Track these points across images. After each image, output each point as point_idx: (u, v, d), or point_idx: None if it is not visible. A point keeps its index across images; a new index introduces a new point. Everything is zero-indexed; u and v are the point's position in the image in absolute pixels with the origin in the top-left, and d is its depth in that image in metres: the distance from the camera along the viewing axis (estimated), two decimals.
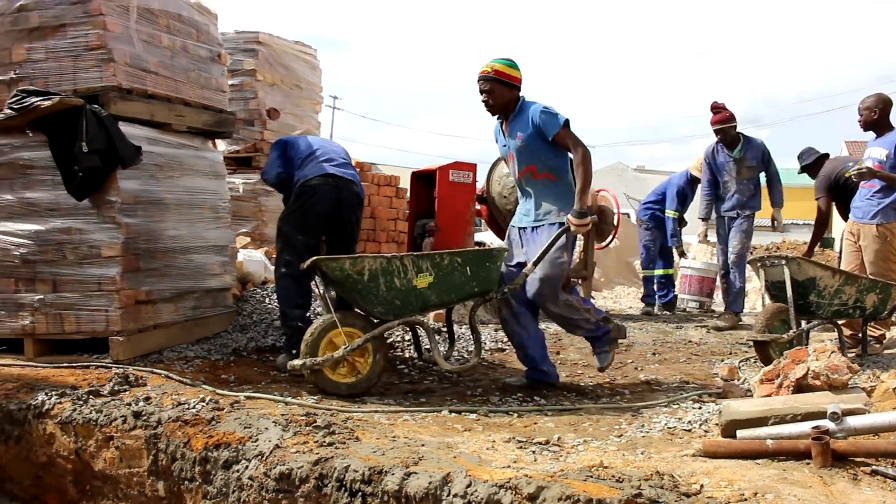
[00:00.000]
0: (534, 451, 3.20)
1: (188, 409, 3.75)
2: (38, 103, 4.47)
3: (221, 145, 6.95)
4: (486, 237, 15.45)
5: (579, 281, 8.24)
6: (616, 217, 8.59)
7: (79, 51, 4.77)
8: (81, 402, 3.99)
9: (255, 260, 6.64)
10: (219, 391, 4.13)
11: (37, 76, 4.82)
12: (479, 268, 4.33)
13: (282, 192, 5.22)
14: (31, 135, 4.76)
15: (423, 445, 3.23)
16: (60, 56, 4.80)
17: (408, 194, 9.03)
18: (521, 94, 4.58)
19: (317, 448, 3.22)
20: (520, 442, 3.33)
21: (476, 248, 4.46)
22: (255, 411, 3.73)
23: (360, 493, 2.93)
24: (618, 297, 10.67)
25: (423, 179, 7.86)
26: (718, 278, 7.89)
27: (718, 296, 8.56)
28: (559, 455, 3.16)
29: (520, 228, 4.65)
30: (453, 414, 3.86)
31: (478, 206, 8.09)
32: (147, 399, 3.93)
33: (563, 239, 4.36)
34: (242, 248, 6.81)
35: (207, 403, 3.82)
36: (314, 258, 4.23)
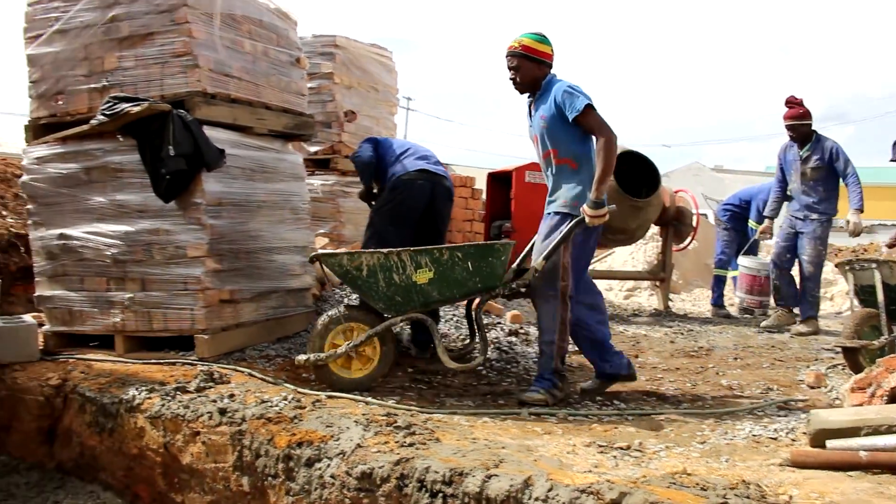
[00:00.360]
0: (615, 456, 3.17)
1: (271, 406, 3.84)
2: (128, 109, 4.63)
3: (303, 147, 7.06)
4: None
5: (656, 283, 8.10)
6: (695, 218, 8.44)
7: (166, 58, 4.91)
8: (169, 398, 4.12)
9: None
10: (300, 390, 4.21)
11: (127, 83, 4.99)
12: (482, 263, 4.16)
13: (365, 178, 5.38)
14: (121, 139, 4.93)
15: (503, 448, 3.23)
16: (149, 63, 4.96)
17: (483, 195, 9.05)
18: (551, 71, 4.38)
19: (398, 448, 3.25)
20: (600, 446, 3.30)
21: (478, 242, 4.33)
22: (336, 410, 3.79)
23: (440, 494, 2.94)
24: (696, 299, 10.45)
25: (498, 180, 7.86)
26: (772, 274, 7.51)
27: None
28: (641, 461, 3.12)
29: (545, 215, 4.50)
30: (533, 417, 3.85)
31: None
32: (231, 396, 4.03)
33: (560, 230, 4.16)
34: (321, 249, 6.92)
35: (290, 402, 3.91)
36: (315, 253, 4.30)
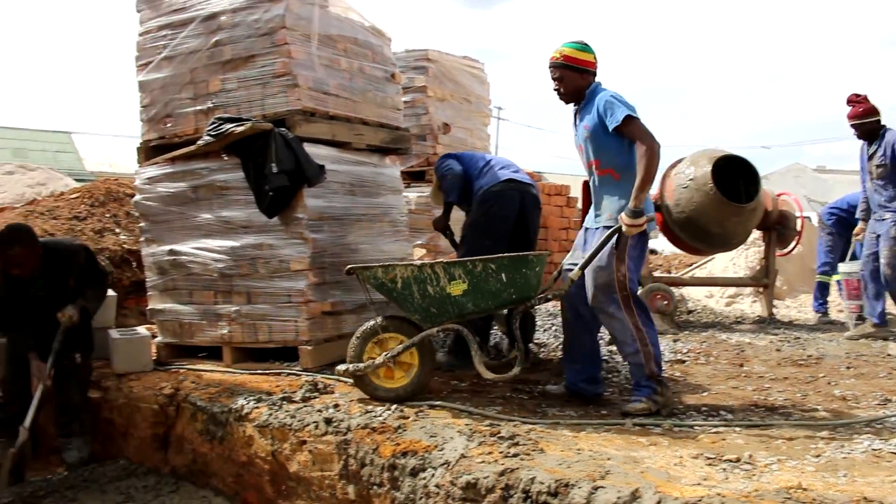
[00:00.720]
0: (724, 469, 3.08)
1: (375, 416, 3.90)
2: (232, 129, 4.80)
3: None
4: (660, 244, 15.06)
5: (760, 289, 7.86)
6: (799, 222, 8.16)
7: (266, 78, 5.08)
8: (276, 408, 4.24)
9: None
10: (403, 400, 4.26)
11: (230, 104, 5.18)
12: (516, 274, 4.10)
13: (454, 193, 5.34)
14: (226, 158, 5.12)
15: (608, 459, 3.19)
16: (250, 84, 5.14)
17: (579, 203, 8.96)
18: (595, 79, 4.29)
19: (502, 458, 3.25)
20: (709, 458, 3.22)
21: (511, 254, 4.23)
22: (439, 420, 3.82)
23: None
24: (802, 305, 10.09)
25: None
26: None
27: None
28: (752, 474, 3.03)
29: (585, 229, 4.42)
30: (637, 427, 3.80)
31: (651, 214, 7.91)
32: (336, 406, 4.11)
33: (611, 243, 4.06)
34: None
35: (393, 412, 3.96)
36: (350, 266, 4.29)
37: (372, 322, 4.30)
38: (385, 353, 4.19)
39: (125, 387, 5.23)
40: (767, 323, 7.93)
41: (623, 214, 3.95)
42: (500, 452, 3.31)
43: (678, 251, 10.56)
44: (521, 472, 3.09)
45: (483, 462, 3.25)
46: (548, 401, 4.41)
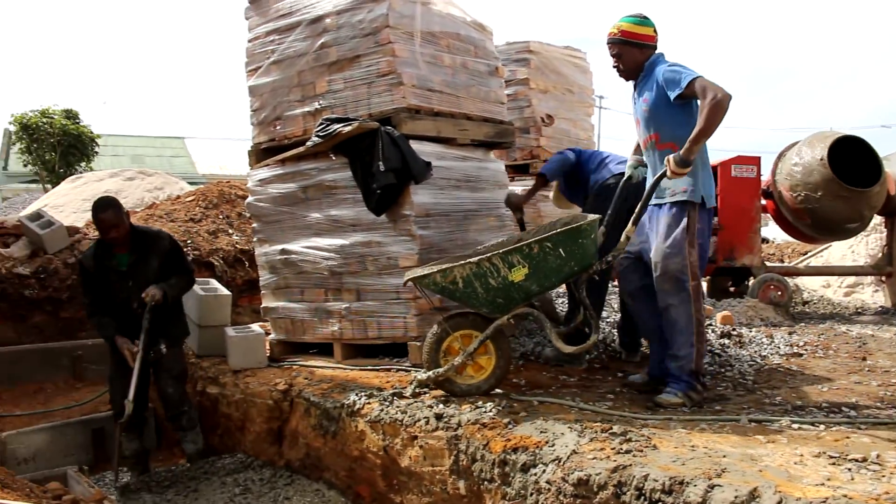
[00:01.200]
0: (849, 469, 2.95)
1: (485, 412, 3.91)
2: (340, 129, 4.90)
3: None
4: (772, 232, 14.53)
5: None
6: None
7: (372, 78, 5.15)
8: (387, 403, 4.31)
9: None
10: (512, 395, 4.26)
11: (337, 104, 5.28)
12: (573, 246, 4.03)
13: (554, 170, 5.39)
14: (334, 158, 5.22)
15: (724, 457, 3.11)
16: (356, 84, 5.22)
17: None
18: (654, 52, 4.14)
19: (614, 455, 3.21)
20: (832, 457, 3.08)
21: (564, 228, 4.10)
22: (549, 416, 3.81)
23: (659, 503, 2.87)
24: None
25: None
26: None
27: None
28: (880, 475, 2.88)
29: (652, 206, 4.23)
30: (753, 423, 3.68)
31: (763, 202, 7.65)
32: (446, 402, 4.15)
33: (683, 222, 3.94)
34: None
35: (503, 407, 3.96)
36: (407, 277, 4.23)
37: (438, 328, 4.29)
38: (462, 352, 4.20)
39: (241, 382, 5.42)
40: (891, 314, 7.56)
41: (669, 158, 3.80)
42: (612, 449, 3.28)
43: (792, 239, 10.16)
44: (634, 468, 3.04)
45: (595, 458, 3.22)
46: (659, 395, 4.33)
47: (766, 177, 7.66)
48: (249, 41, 5.83)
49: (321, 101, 5.35)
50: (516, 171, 8.27)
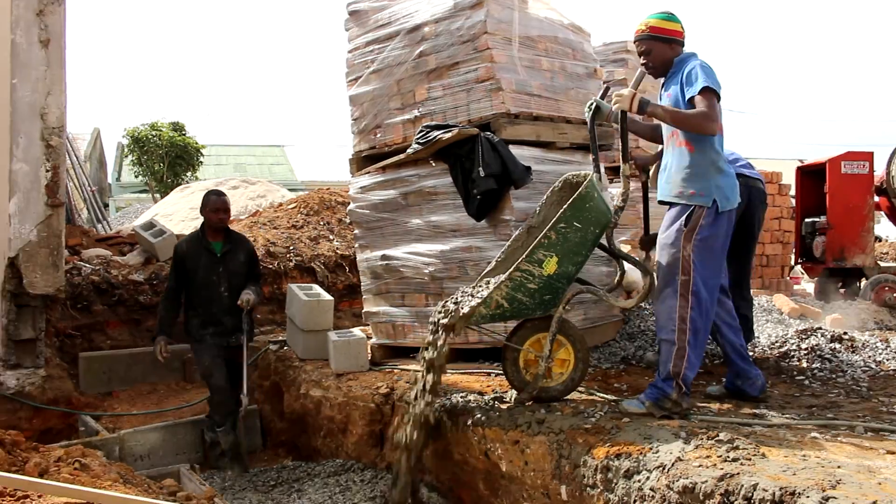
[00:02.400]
0: None
1: (587, 417, 3.89)
2: (440, 136, 4.96)
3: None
4: (885, 230, 13.92)
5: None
6: None
7: (470, 84, 5.20)
8: (489, 408, 4.33)
9: None
10: (612, 399, 4.22)
11: (436, 111, 5.35)
12: (585, 213, 4.01)
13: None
14: (434, 164, 5.29)
15: (838, 467, 2.99)
16: (455, 91, 5.28)
17: (792, 190, 8.51)
18: (683, 49, 4.09)
19: (720, 463, 3.14)
20: None
21: (569, 202, 3.97)
22: (653, 422, 3.75)
23: None
24: None
25: (809, 174, 7.36)
26: None
27: None
28: None
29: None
30: (869, 433, 3.53)
31: (876, 199, 7.35)
32: (547, 407, 4.13)
33: (681, 220, 3.88)
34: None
35: (605, 413, 3.93)
36: (449, 324, 4.11)
37: (504, 353, 4.30)
38: (541, 359, 4.18)
39: (343, 386, 5.53)
40: None
41: (624, 91, 3.92)
42: (719, 456, 3.21)
43: None
44: (742, 477, 2.97)
45: (700, 466, 3.16)
46: (766, 402, 4.21)
47: (879, 172, 7.37)
48: (349, 51, 5.97)
49: (420, 109, 5.43)
50: (615, 172, 8.17)
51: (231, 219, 10.02)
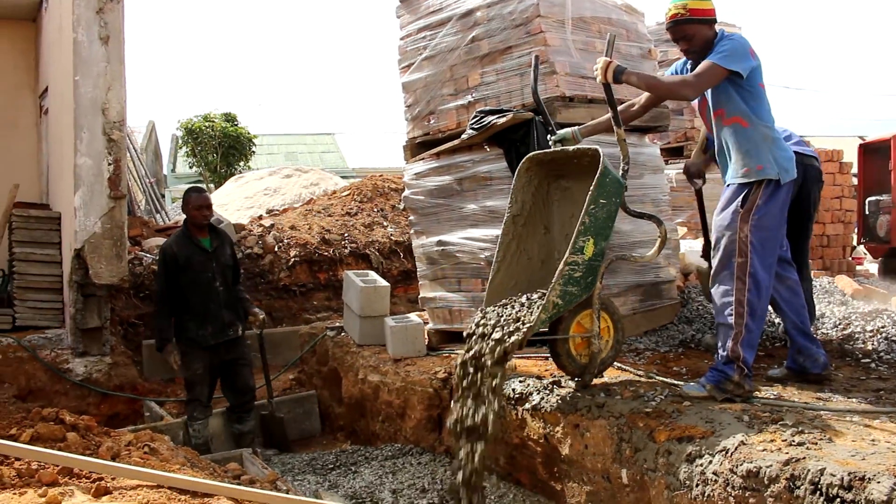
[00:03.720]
0: None
1: (648, 401, 3.88)
2: (494, 121, 4.95)
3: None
4: None
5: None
6: None
7: (524, 68, 5.16)
8: (548, 392, 4.34)
9: (696, 251, 6.60)
10: (673, 383, 4.19)
11: (490, 96, 5.34)
12: (607, 188, 4.00)
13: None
14: (488, 149, 5.29)
15: None
16: (508, 76, 5.26)
17: (854, 168, 8.31)
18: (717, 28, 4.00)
19: (785, 447, 3.11)
20: None
21: (594, 183, 3.93)
22: (714, 405, 3.72)
23: (837, 499, 2.75)
24: None
25: (872, 151, 7.16)
26: None
27: None
28: None
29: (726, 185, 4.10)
30: None
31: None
32: (607, 391, 4.13)
33: (737, 201, 3.82)
34: (681, 239, 6.82)
35: (666, 397, 3.91)
36: (519, 342, 4.01)
37: (549, 350, 4.35)
38: (593, 339, 4.19)
39: (401, 371, 5.59)
40: None
41: (615, 64, 3.91)
42: (784, 440, 3.17)
43: None
44: (809, 462, 2.93)
45: (765, 450, 3.13)
46: (831, 385, 4.14)
47: None
48: (401, 38, 5.99)
49: (474, 94, 5.43)
50: (670, 153, 8.09)
51: (285, 207, 10.19)
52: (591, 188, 3.94)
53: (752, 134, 3.91)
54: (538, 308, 3.96)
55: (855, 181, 8.47)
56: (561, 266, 3.95)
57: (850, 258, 8.65)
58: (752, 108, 3.92)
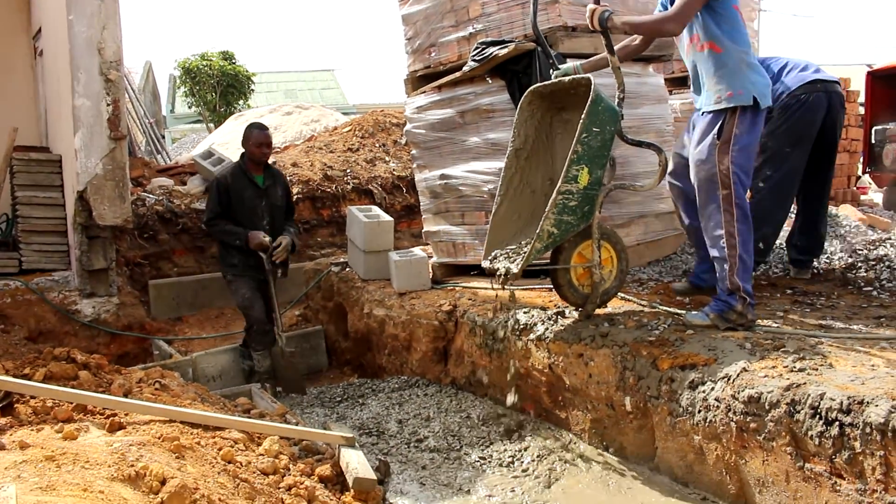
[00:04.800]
0: None
1: (651, 330, 3.91)
2: (496, 52, 4.89)
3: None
4: None
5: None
6: None
7: None
8: (552, 322, 4.38)
9: None
10: (676, 312, 4.22)
11: (491, 27, 5.26)
12: (601, 115, 3.97)
13: None
14: (490, 81, 5.23)
15: None
16: (509, 5, 5.17)
17: (861, 97, 8.20)
18: None
19: (787, 373, 3.15)
20: None
21: (585, 111, 3.90)
22: (717, 333, 3.76)
23: (836, 423, 2.80)
24: None
25: (880, 78, 7.05)
26: None
27: None
28: None
29: (696, 111, 4.11)
30: None
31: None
32: (611, 320, 4.17)
33: (713, 132, 3.80)
34: None
35: (669, 325, 3.94)
36: (515, 276, 4.08)
37: (552, 281, 4.35)
38: (592, 265, 4.21)
39: (407, 304, 5.63)
40: None
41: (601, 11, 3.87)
42: (785, 367, 3.22)
43: None
44: (809, 387, 2.97)
45: (766, 376, 3.18)
46: (832, 313, 4.17)
47: None
48: None
49: (475, 25, 5.35)
50: (674, 84, 7.97)
51: (287, 144, 10.14)
52: (583, 116, 3.91)
53: (726, 59, 3.86)
54: (535, 239, 3.98)
55: (862, 110, 8.37)
56: (554, 195, 3.95)
57: (854, 188, 8.62)
58: (726, 31, 3.86)
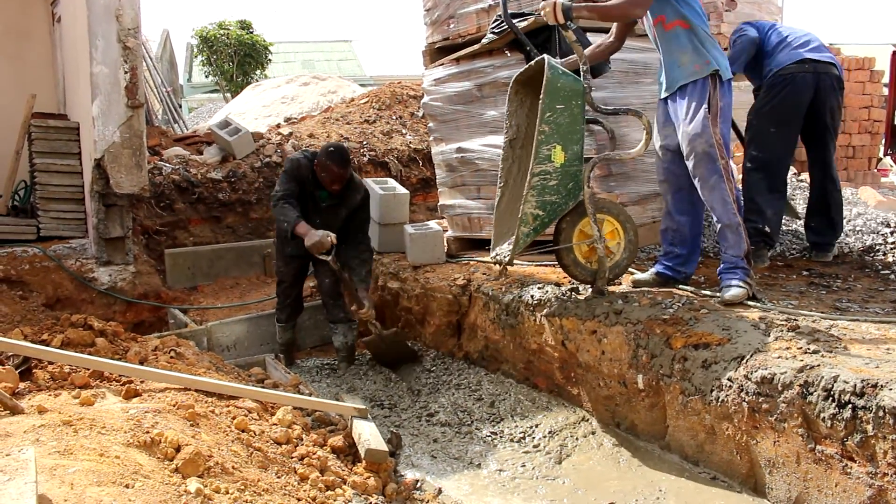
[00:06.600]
0: None
1: (665, 308, 3.90)
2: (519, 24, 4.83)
3: None
4: None
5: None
6: None
7: None
8: (566, 298, 4.38)
9: None
10: (693, 292, 4.21)
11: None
12: (561, 92, 3.94)
13: (740, 62, 4.96)
14: (509, 55, 5.18)
15: None
16: None
17: (885, 77, 8.07)
18: None
19: (800, 355, 3.15)
20: None
21: (543, 91, 3.89)
22: (731, 314, 3.75)
23: (849, 405, 2.80)
24: None
25: None
26: None
27: None
28: None
29: (662, 101, 4.20)
30: None
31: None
32: (625, 298, 4.16)
33: (704, 101, 3.91)
34: None
35: (683, 304, 3.93)
36: (503, 259, 4.12)
37: (557, 260, 4.36)
38: (597, 242, 4.20)
39: (421, 277, 5.64)
40: None
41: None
42: (799, 348, 3.21)
43: None
44: (823, 369, 2.97)
45: (780, 357, 3.17)
46: (848, 295, 4.15)
47: None
48: None
49: None
50: None
51: (303, 115, 10.11)
52: (542, 96, 3.91)
53: (693, 35, 4.03)
54: (519, 224, 4.03)
55: (886, 91, 8.21)
56: (528, 178, 3.96)
57: (875, 170, 8.51)
58: (687, 11, 4.04)
